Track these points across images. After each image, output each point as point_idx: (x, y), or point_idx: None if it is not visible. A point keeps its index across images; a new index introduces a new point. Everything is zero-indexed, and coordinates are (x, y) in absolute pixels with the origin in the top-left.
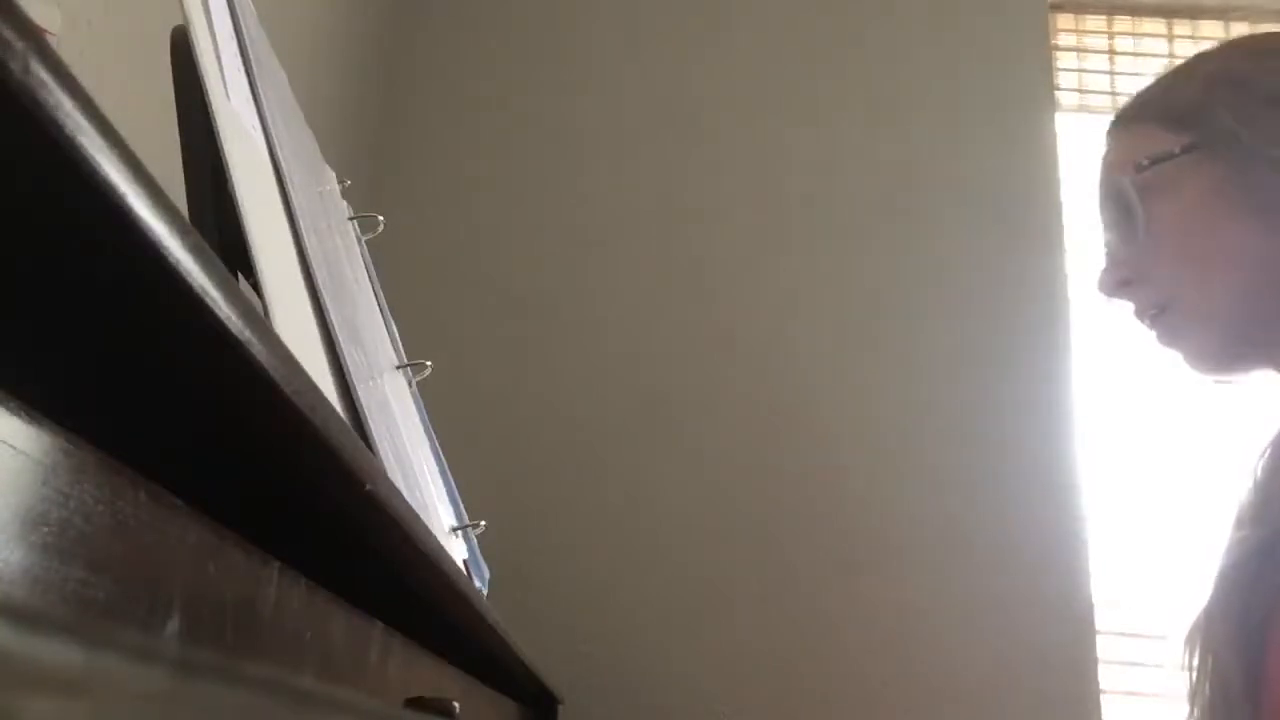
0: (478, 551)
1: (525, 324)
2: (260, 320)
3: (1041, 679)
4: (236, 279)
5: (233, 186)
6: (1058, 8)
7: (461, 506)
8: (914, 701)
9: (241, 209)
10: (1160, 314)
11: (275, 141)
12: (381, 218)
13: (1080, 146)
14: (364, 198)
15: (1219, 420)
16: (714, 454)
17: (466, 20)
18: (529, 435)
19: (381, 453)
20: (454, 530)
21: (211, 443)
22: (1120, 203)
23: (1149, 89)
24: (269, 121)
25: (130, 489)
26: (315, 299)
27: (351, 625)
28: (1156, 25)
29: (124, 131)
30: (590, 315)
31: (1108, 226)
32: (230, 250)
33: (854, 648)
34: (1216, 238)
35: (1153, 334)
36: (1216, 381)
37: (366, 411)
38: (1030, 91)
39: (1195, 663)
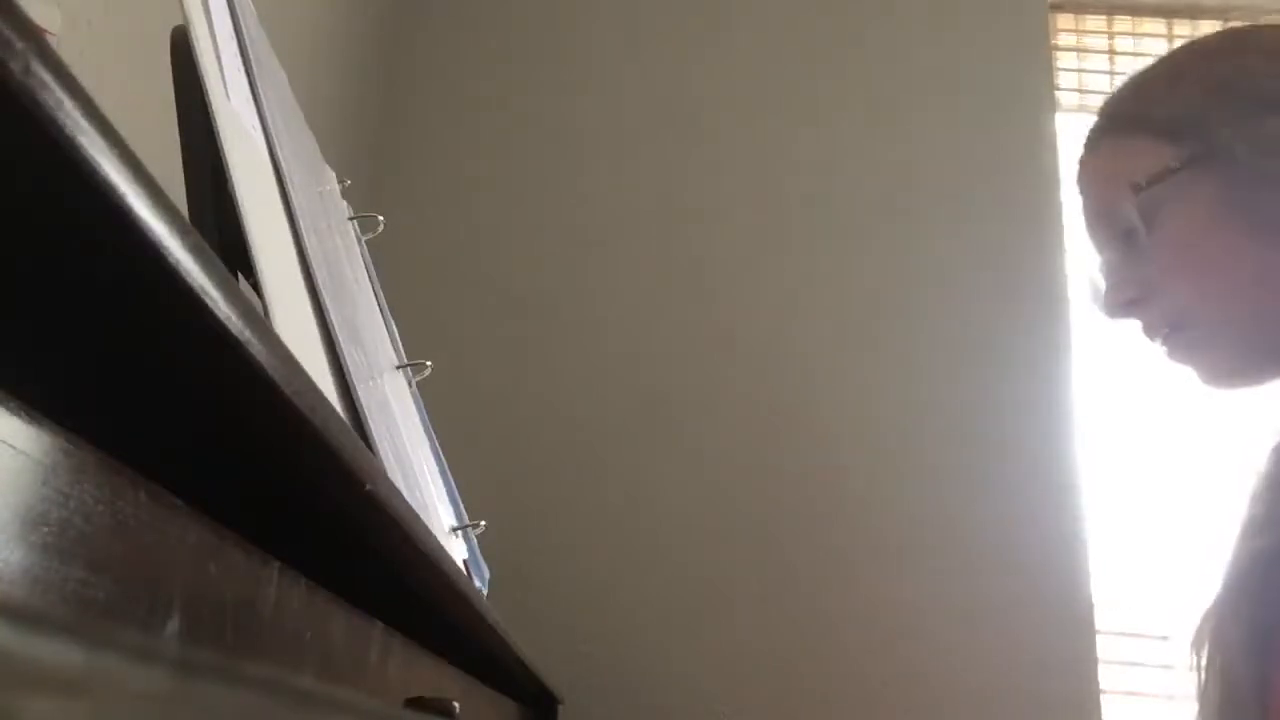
0: (478, 551)
1: (525, 324)
2: (260, 320)
3: (1041, 679)
4: (236, 279)
5: (233, 186)
6: (1058, 8)
7: (461, 506)
8: (914, 701)
9: (241, 209)
10: (1173, 332)
11: (275, 141)
12: (381, 218)
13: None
14: (364, 198)
15: (1219, 419)
16: (714, 454)
17: (466, 20)
18: (529, 435)
19: (381, 453)
20: (454, 530)
21: (211, 443)
22: (1120, 223)
23: (1136, 93)
24: (269, 121)
25: (130, 489)
26: (315, 299)
27: (351, 625)
28: (1156, 25)
29: (124, 131)
30: (590, 315)
31: (1105, 245)
32: (230, 250)
33: (854, 648)
34: (1224, 252)
35: (1163, 350)
36: (1226, 393)
37: (366, 411)
38: (1030, 91)
39: (1203, 664)
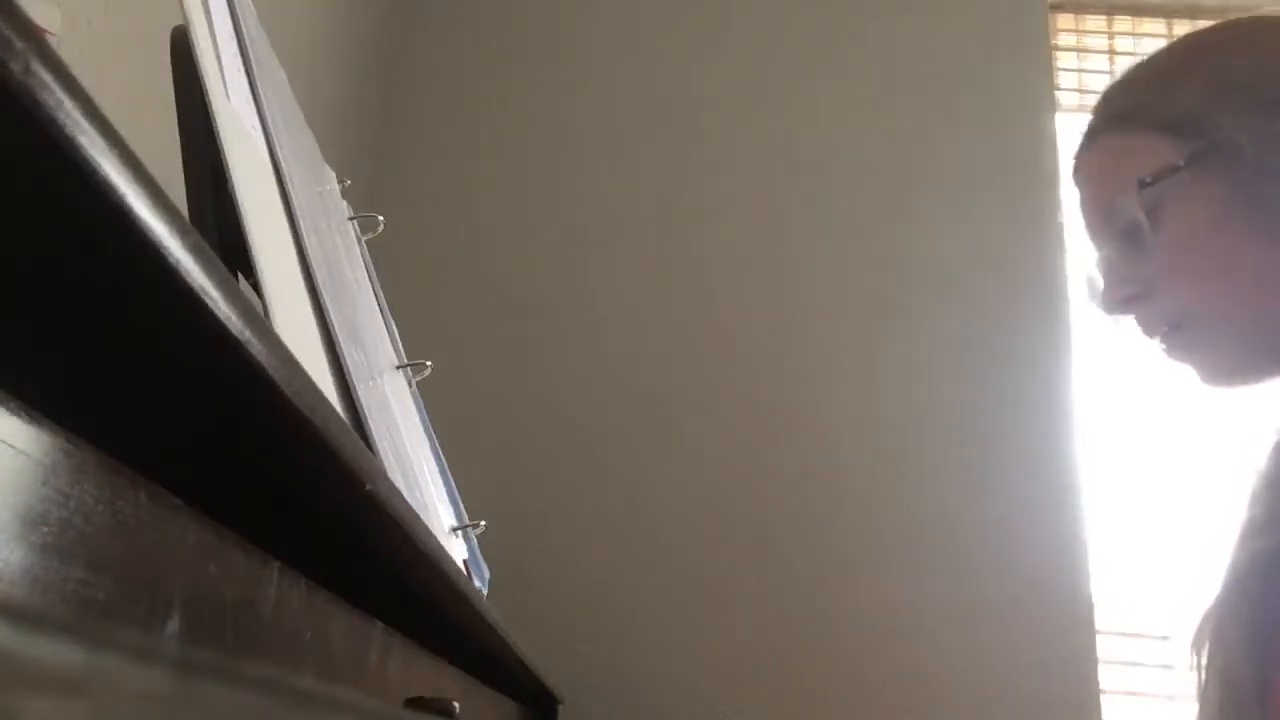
0: (478, 551)
1: (525, 324)
2: (260, 320)
3: (1041, 679)
4: (236, 279)
5: (233, 186)
6: (1058, 8)
7: (461, 506)
8: (914, 701)
9: (241, 209)
10: (1173, 330)
11: (275, 141)
12: (381, 218)
13: None
14: (364, 198)
15: (1219, 419)
16: (714, 454)
17: (466, 20)
18: (529, 435)
19: (381, 453)
20: (454, 530)
21: (211, 443)
22: (1121, 219)
23: (1137, 87)
24: (269, 121)
25: (130, 489)
26: (315, 299)
27: (351, 625)
28: (1156, 25)
29: (124, 131)
30: (590, 315)
31: (1104, 241)
32: (230, 250)
33: (854, 648)
34: (1227, 251)
35: (1162, 348)
36: (1225, 392)
37: (366, 411)
38: (1030, 91)
39: (1204, 663)
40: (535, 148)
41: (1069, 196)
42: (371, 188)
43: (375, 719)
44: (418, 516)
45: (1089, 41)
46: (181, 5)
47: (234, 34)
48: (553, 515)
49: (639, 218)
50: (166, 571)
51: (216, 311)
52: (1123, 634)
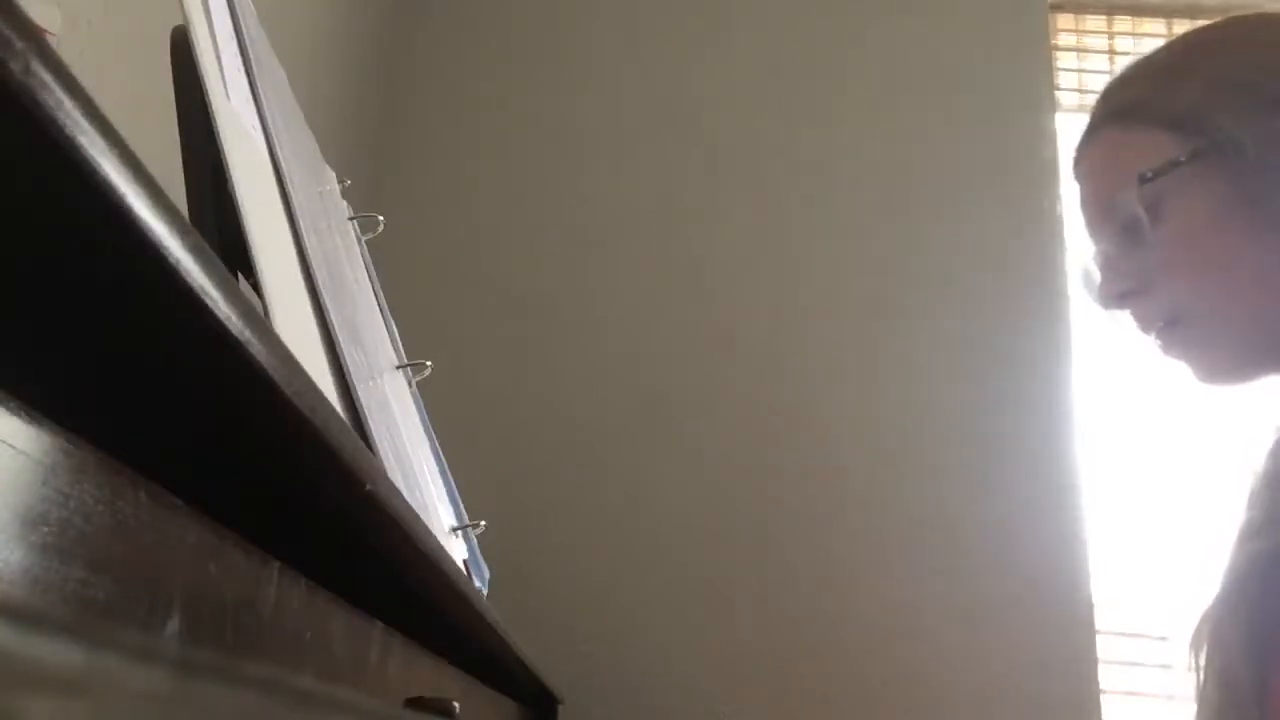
0: (478, 551)
1: (525, 324)
2: (260, 320)
3: (1041, 679)
4: (236, 279)
5: (233, 186)
6: (1058, 8)
7: (461, 506)
8: (914, 701)
9: (241, 209)
10: (1169, 326)
11: (275, 141)
12: (381, 218)
13: None
14: (364, 198)
15: (1219, 418)
16: (714, 454)
17: (466, 20)
18: (529, 435)
19: (381, 453)
20: (454, 530)
21: (211, 443)
22: (1121, 214)
23: (1139, 83)
24: (269, 121)
25: (130, 489)
26: (315, 299)
27: (351, 625)
28: (1156, 25)
29: (124, 131)
30: (590, 315)
31: (1102, 235)
32: (230, 250)
33: (854, 648)
34: (1226, 249)
35: (1158, 345)
36: (1219, 390)
37: (366, 411)
38: (1030, 91)
39: (1202, 664)
40: (535, 148)
41: (1069, 196)
42: (371, 188)
43: (375, 719)
44: (418, 516)
45: (1089, 41)
46: (181, 5)
47: (234, 34)
48: (553, 515)
49: (639, 218)
50: (166, 571)
51: (216, 311)
52: (1123, 634)
